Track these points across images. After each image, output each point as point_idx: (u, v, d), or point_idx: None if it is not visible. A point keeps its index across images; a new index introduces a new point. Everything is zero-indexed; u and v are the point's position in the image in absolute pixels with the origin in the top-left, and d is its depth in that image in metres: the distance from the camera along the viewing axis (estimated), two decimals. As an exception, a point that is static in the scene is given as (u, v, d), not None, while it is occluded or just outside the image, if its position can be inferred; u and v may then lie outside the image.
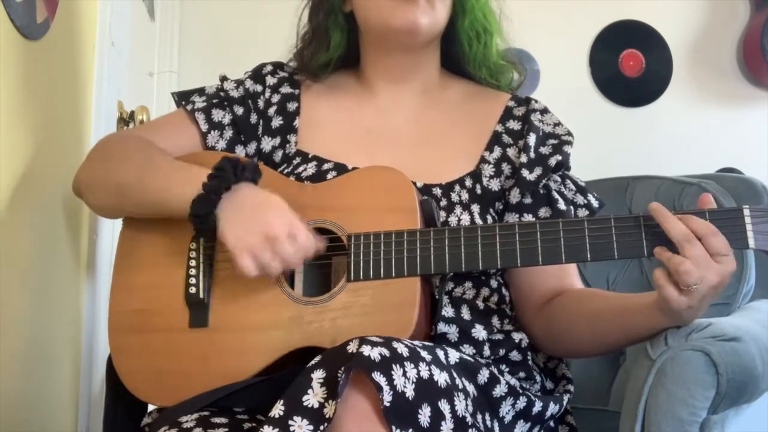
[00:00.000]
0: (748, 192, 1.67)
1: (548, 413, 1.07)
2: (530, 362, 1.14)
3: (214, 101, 1.25)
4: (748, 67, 2.47)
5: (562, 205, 1.18)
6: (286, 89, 1.27)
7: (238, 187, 1.04)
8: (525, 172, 1.17)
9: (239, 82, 1.28)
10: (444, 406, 0.85)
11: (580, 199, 1.21)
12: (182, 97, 1.28)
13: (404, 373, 0.84)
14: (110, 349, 1.13)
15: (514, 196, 1.18)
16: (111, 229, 1.54)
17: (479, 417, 0.94)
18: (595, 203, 1.22)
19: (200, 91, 1.29)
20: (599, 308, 1.13)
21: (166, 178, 1.09)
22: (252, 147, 1.24)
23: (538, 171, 1.17)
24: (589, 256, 1.01)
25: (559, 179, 1.21)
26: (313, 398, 0.84)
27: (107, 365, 1.15)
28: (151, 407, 1.15)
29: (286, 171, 1.20)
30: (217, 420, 0.97)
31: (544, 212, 1.18)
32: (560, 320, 1.15)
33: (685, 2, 2.53)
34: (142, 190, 1.11)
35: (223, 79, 1.29)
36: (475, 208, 1.15)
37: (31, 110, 1.25)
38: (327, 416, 0.83)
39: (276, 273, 1.01)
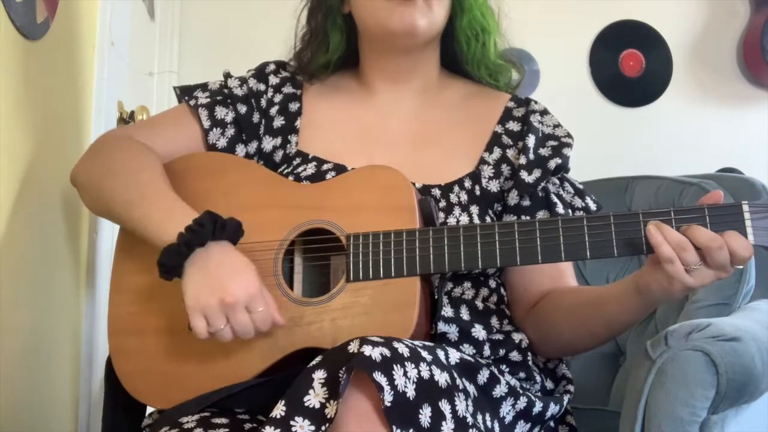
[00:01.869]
0: (748, 192, 1.67)
1: (548, 413, 1.07)
2: (530, 362, 1.14)
3: (218, 98, 1.25)
4: (748, 67, 2.48)
5: (560, 209, 1.18)
6: (288, 89, 1.27)
7: (211, 245, 1.02)
8: (524, 174, 1.17)
9: (243, 80, 1.28)
10: (444, 406, 0.85)
11: (578, 202, 1.21)
12: (185, 92, 1.28)
13: (405, 373, 0.84)
14: (109, 351, 1.13)
15: (513, 198, 1.18)
16: (111, 229, 1.54)
17: (480, 417, 0.94)
18: (592, 206, 1.22)
19: (203, 87, 1.28)
20: (578, 301, 1.14)
21: (148, 212, 1.07)
22: (253, 146, 1.24)
23: (537, 173, 1.17)
24: (588, 254, 1.01)
25: (557, 182, 1.21)
26: (314, 398, 0.84)
27: (106, 367, 1.15)
28: (150, 409, 1.14)
29: (285, 171, 1.20)
30: (218, 420, 0.97)
31: (542, 215, 1.18)
32: (545, 318, 1.16)
33: (685, 2, 2.53)
34: (127, 213, 1.10)
35: (227, 75, 1.29)
36: (474, 209, 1.15)
37: (31, 110, 1.25)
38: (328, 416, 0.83)
39: (227, 340, 1.00)
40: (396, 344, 0.87)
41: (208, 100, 1.25)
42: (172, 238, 1.02)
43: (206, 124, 1.23)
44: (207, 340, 1.00)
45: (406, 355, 0.86)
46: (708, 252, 0.95)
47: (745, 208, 0.97)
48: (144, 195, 1.10)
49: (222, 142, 1.23)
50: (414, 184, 1.11)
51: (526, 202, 1.18)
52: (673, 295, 1.00)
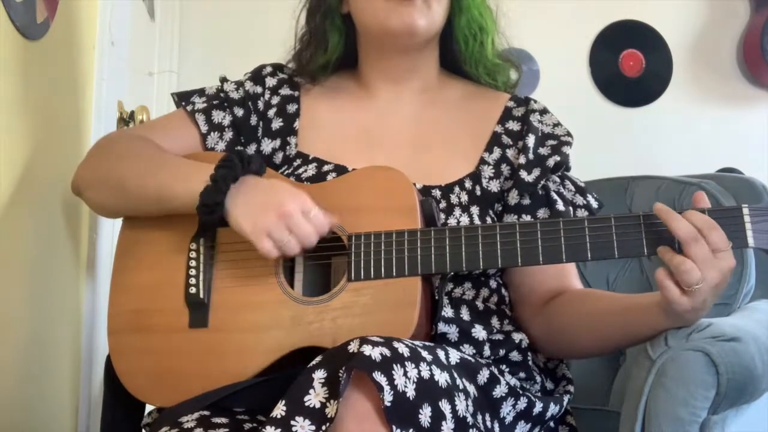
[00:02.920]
0: (748, 192, 1.67)
1: (549, 414, 1.07)
2: (530, 362, 1.14)
3: (215, 102, 1.25)
4: (748, 67, 2.48)
5: (560, 206, 1.18)
6: (285, 91, 1.27)
7: (245, 179, 1.06)
8: (523, 174, 1.17)
9: (239, 84, 1.28)
10: (445, 406, 0.85)
11: (579, 200, 1.21)
12: (182, 98, 1.28)
13: (405, 373, 0.84)
14: (109, 350, 1.13)
15: (513, 198, 1.18)
16: (111, 229, 1.54)
17: (480, 417, 0.94)
18: (594, 204, 1.22)
19: (200, 92, 1.29)
20: (600, 308, 1.13)
21: (172, 172, 1.09)
22: (252, 149, 1.24)
23: (536, 172, 1.17)
24: (589, 255, 1.01)
25: (558, 180, 1.21)
26: (314, 398, 0.84)
27: (106, 366, 1.15)
28: (150, 407, 1.14)
29: (286, 172, 1.20)
30: (217, 420, 0.97)
31: (542, 213, 1.18)
32: (560, 320, 1.15)
33: (685, 2, 2.53)
34: (145, 185, 1.11)
35: (223, 80, 1.29)
36: (475, 209, 1.15)
37: (31, 110, 1.25)
38: (329, 416, 0.83)
39: (294, 251, 1.02)
40: (396, 344, 0.87)
41: (205, 104, 1.25)
42: (204, 183, 1.04)
43: (204, 128, 1.23)
44: (278, 257, 1.02)
45: (406, 355, 0.86)
46: (703, 234, 0.96)
47: (745, 211, 0.98)
48: (163, 161, 1.12)
49: (220, 146, 1.23)
50: (414, 184, 1.11)
51: (527, 201, 1.18)
52: (707, 305, 1.01)
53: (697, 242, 0.96)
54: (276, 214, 1.01)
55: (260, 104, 1.26)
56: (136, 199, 1.13)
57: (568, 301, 1.16)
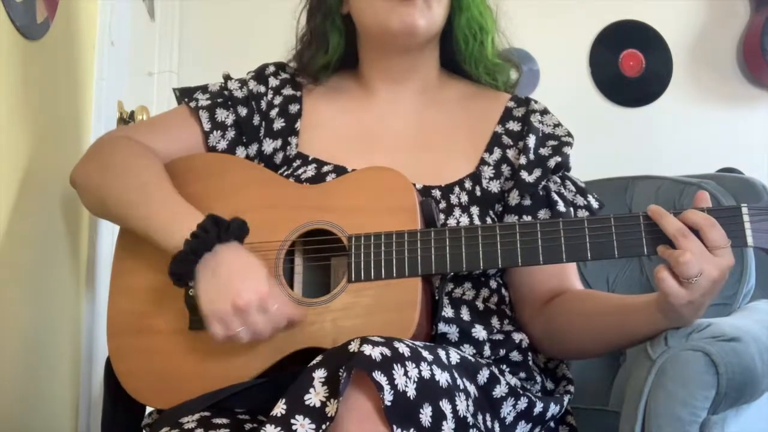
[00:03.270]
0: (748, 192, 1.66)
1: (549, 414, 1.07)
2: (531, 363, 1.14)
3: (218, 100, 1.25)
4: (748, 67, 2.48)
5: (561, 207, 1.18)
6: (288, 91, 1.27)
7: (219, 249, 1.02)
8: (524, 174, 1.17)
9: (243, 82, 1.28)
10: (445, 405, 0.85)
11: (579, 201, 1.21)
12: (184, 94, 1.28)
13: (405, 373, 0.84)
14: (109, 352, 1.13)
15: (513, 198, 1.18)
16: (111, 230, 1.54)
17: (480, 417, 0.94)
18: (594, 204, 1.22)
19: (203, 89, 1.28)
20: (599, 307, 1.13)
21: (151, 213, 1.08)
22: (253, 149, 1.24)
23: (537, 173, 1.17)
24: (589, 255, 1.01)
25: (558, 180, 1.21)
26: (314, 397, 0.84)
27: (106, 367, 1.15)
28: (149, 409, 1.14)
29: (286, 173, 1.20)
30: (218, 420, 0.97)
31: (543, 214, 1.18)
32: (560, 320, 1.15)
33: (685, 2, 2.53)
34: (126, 216, 1.11)
35: (227, 77, 1.29)
36: (475, 210, 1.15)
37: (31, 110, 1.25)
38: (329, 415, 0.83)
39: (244, 342, 1.00)
40: (396, 344, 0.87)
41: (209, 102, 1.25)
42: (177, 242, 1.02)
43: (207, 126, 1.23)
44: (226, 342, 1.00)
45: (406, 355, 0.86)
46: (702, 232, 0.96)
47: (744, 210, 0.98)
48: (146, 196, 1.10)
49: (222, 145, 1.23)
50: (414, 185, 1.11)
51: (527, 202, 1.18)
52: (705, 301, 1.00)
53: (686, 237, 0.96)
54: (231, 304, 0.98)
55: (263, 104, 1.26)
56: (121, 222, 1.15)
57: (568, 302, 1.16)
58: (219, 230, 1.03)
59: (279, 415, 0.83)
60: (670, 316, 1.03)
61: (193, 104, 1.25)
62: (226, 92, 1.26)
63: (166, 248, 1.03)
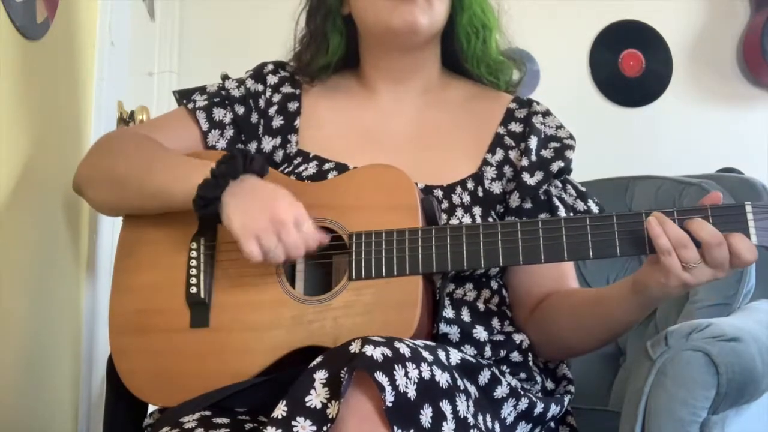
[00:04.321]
0: (749, 192, 1.67)
1: (549, 414, 1.07)
2: (531, 363, 1.14)
3: (215, 100, 1.25)
4: (748, 67, 2.48)
5: (562, 212, 1.18)
6: (287, 89, 1.27)
7: (245, 177, 1.04)
8: (526, 176, 1.17)
9: (240, 81, 1.28)
10: (446, 406, 0.85)
11: (580, 205, 1.21)
12: (183, 96, 1.28)
13: (406, 374, 0.84)
14: (111, 350, 1.13)
15: (515, 200, 1.18)
16: (111, 229, 1.54)
17: (480, 418, 0.94)
18: (595, 209, 1.21)
19: (201, 90, 1.28)
20: (579, 301, 1.14)
21: (171, 169, 1.09)
22: (252, 147, 1.24)
23: (539, 175, 1.17)
24: (591, 254, 1.01)
25: (559, 184, 1.21)
26: (315, 399, 0.84)
27: (108, 366, 1.15)
28: (152, 408, 1.14)
29: (286, 170, 1.20)
30: (218, 420, 0.97)
31: (543, 218, 1.17)
32: (546, 320, 1.16)
33: (685, 2, 2.53)
34: (145, 180, 1.10)
35: (225, 77, 1.29)
36: (477, 210, 1.15)
37: (31, 110, 1.25)
38: (330, 417, 0.83)
39: (279, 260, 1.01)
40: (397, 344, 0.87)
41: (206, 102, 1.25)
42: (204, 177, 1.03)
43: (204, 126, 1.23)
44: (261, 262, 1.00)
45: (407, 356, 0.86)
46: (707, 248, 0.95)
47: (748, 208, 0.97)
48: (164, 157, 1.12)
49: (221, 144, 1.23)
50: (416, 184, 1.11)
51: (528, 205, 1.18)
52: (669, 292, 0.99)
53: (671, 255, 0.96)
54: (269, 218, 1.00)
55: (261, 102, 1.26)
56: (136, 196, 1.13)
57: (553, 301, 1.17)
58: (245, 160, 1.05)
59: (280, 417, 0.83)
60: (643, 295, 1.02)
61: (190, 105, 1.25)
62: (223, 92, 1.26)
63: (191, 191, 1.03)
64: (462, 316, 1.11)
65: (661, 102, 2.51)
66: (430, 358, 0.88)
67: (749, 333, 1.17)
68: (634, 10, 2.52)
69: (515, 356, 1.13)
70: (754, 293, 1.56)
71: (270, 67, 1.30)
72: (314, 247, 1.02)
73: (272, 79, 1.28)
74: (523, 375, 1.12)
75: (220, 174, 1.03)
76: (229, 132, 1.23)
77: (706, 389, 1.09)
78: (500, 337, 1.13)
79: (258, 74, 1.28)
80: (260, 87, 1.27)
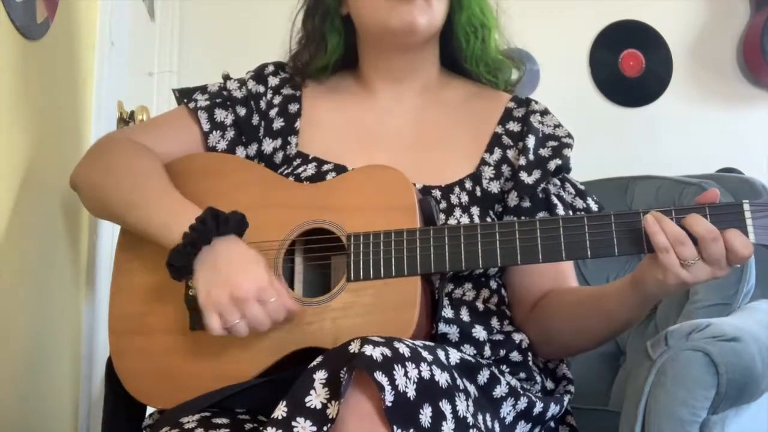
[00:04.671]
0: (748, 192, 1.67)
1: (549, 414, 1.07)
2: (531, 363, 1.14)
3: (217, 101, 1.25)
4: (748, 67, 2.48)
5: (560, 210, 1.18)
6: (287, 90, 1.27)
7: (217, 242, 1.03)
8: (523, 175, 1.17)
9: (242, 82, 1.28)
10: (445, 406, 0.85)
11: (579, 203, 1.21)
12: (184, 95, 1.28)
13: (405, 373, 0.84)
14: (110, 351, 1.13)
15: (513, 200, 1.18)
16: (111, 230, 1.54)
17: (480, 417, 0.94)
18: (594, 207, 1.21)
19: (203, 89, 1.28)
20: (577, 299, 1.14)
21: (151, 212, 1.08)
22: (253, 148, 1.24)
23: (536, 174, 1.17)
24: (589, 253, 1.01)
25: (558, 183, 1.21)
26: (315, 399, 0.84)
27: (107, 367, 1.15)
28: (151, 409, 1.14)
29: (286, 172, 1.20)
30: (218, 421, 0.97)
31: (542, 216, 1.17)
32: (545, 318, 1.15)
33: (685, 2, 2.53)
34: (126, 216, 1.12)
35: (226, 77, 1.29)
36: (475, 210, 1.15)
37: (31, 110, 1.25)
38: (330, 417, 0.83)
39: (242, 334, 1.00)
40: (397, 344, 0.87)
41: (208, 102, 1.25)
42: (177, 238, 1.02)
43: (206, 127, 1.23)
44: (223, 336, 1.00)
45: (406, 355, 0.86)
46: (703, 244, 0.95)
47: (746, 206, 0.97)
48: (146, 195, 1.10)
49: (222, 145, 1.23)
50: (414, 184, 1.11)
51: (526, 204, 1.18)
52: (667, 290, 0.99)
53: (668, 253, 0.96)
54: (229, 294, 0.98)
55: (262, 104, 1.26)
56: (122, 222, 1.15)
57: (551, 299, 1.17)
58: (218, 223, 1.03)
59: (280, 417, 0.83)
60: (641, 291, 1.02)
61: (192, 105, 1.25)
62: (225, 92, 1.26)
63: (166, 244, 1.03)
64: (461, 316, 1.11)
65: (661, 102, 2.51)
66: (429, 357, 0.88)
67: (749, 333, 1.17)
68: (634, 10, 2.52)
69: (515, 356, 1.13)
70: (754, 293, 1.56)
71: (271, 68, 1.30)
72: (281, 320, 1.01)
73: (273, 81, 1.28)
74: (522, 375, 1.12)
75: (189, 242, 1.02)
76: (230, 133, 1.23)
77: (706, 389, 1.09)
78: (500, 337, 1.13)
79: (259, 75, 1.28)
80: (261, 88, 1.27)
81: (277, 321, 1.01)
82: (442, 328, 1.08)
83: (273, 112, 1.25)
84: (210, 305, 0.99)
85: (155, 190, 1.11)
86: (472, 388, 0.95)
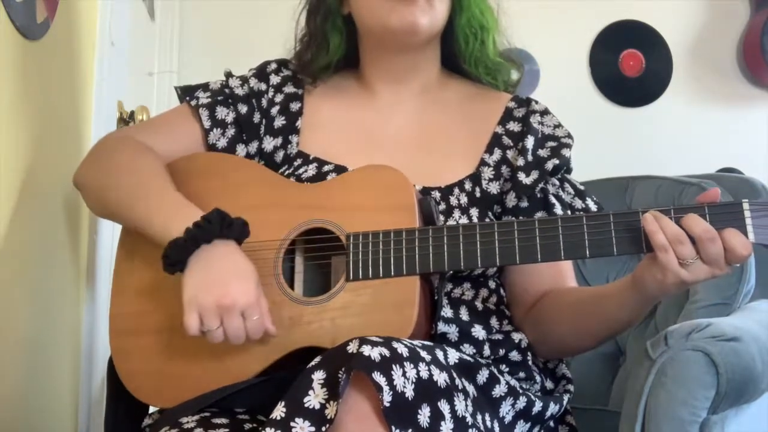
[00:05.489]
0: (748, 192, 1.67)
1: (548, 413, 1.07)
2: (530, 362, 1.14)
3: (219, 98, 1.25)
4: (748, 67, 2.48)
5: (558, 210, 1.18)
6: (289, 89, 1.27)
7: (218, 243, 1.03)
8: (521, 176, 1.17)
9: (244, 80, 1.27)
10: (444, 406, 0.85)
11: (578, 203, 1.21)
12: (186, 92, 1.28)
13: (404, 374, 0.84)
14: (111, 351, 1.13)
15: (511, 200, 1.18)
16: (111, 230, 1.54)
17: (479, 417, 0.94)
18: (593, 207, 1.21)
19: (204, 87, 1.28)
20: (575, 299, 1.14)
21: (152, 211, 1.08)
22: (253, 146, 1.24)
23: (534, 175, 1.17)
24: (588, 252, 1.00)
25: (557, 183, 1.21)
26: (314, 399, 0.84)
27: (108, 367, 1.15)
28: (151, 409, 1.14)
29: (287, 172, 1.20)
30: (217, 420, 0.97)
31: (540, 216, 1.17)
32: (544, 318, 1.15)
33: (685, 2, 2.53)
34: (127, 217, 1.12)
35: (228, 75, 1.29)
36: (474, 211, 1.15)
37: (31, 110, 1.25)
38: (328, 417, 0.83)
39: (215, 341, 1.00)
40: (395, 344, 0.87)
41: (209, 100, 1.25)
42: (178, 234, 1.02)
43: (207, 124, 1.23)
44: (195, 337, 0.99)
45: (405, 355, 0.86)
46: (701, 244, 0.95)
47: (746, 206, 0.97)
48: (148, 194, 1.10)
49: (222, 143, 1.23)
50: (414, 185, 1.11)
51: (524, 204, 1.17)
52: (667, 289, 0.99)
53: (667, 252, 0.96)
54: (216, 300, 0.98)
55: (264, 102, 1.26)
56: (124, 222, 1.15)
57: (550, 299, 1.17)
58: (222, 225, 1.03)
59: (279, 418, 0.83)
60: (641, 291, 1.02)
61: (193, 102, 1.25)
62: (226, 90, 1.26)
63: (164, 237, 1.03)
64: (460, 316, 1.11)
65: (661, 102, 2.51)
66: (428, 357, 0.88)
67: (749, 333, 1.17)
68: (634, 10, 2.52)
69: (514, 355, 1.13)
70: (754, 293, 1.56)
71: (273, 66, 1.30)
72: (256, 338, 1.01)
73: (275, 79, 1.28)
74: (522, 374, 1.12)
75: (190, 237, 1.02)
76: (231, 131, 1.23)
77: (706, 389, 1.09)
78: (499, 336, 1.13)
79: (261, 73, 1.28)
80: (263, 86, 1.27)
81: (252, 339, 1.01)
82: (442, 327, 1.08)
83: (274, 110, 1.25)
84: (193, 304, 0.99)
85: (156, 189, 1.11)
86: (471, 388, 0.95)
